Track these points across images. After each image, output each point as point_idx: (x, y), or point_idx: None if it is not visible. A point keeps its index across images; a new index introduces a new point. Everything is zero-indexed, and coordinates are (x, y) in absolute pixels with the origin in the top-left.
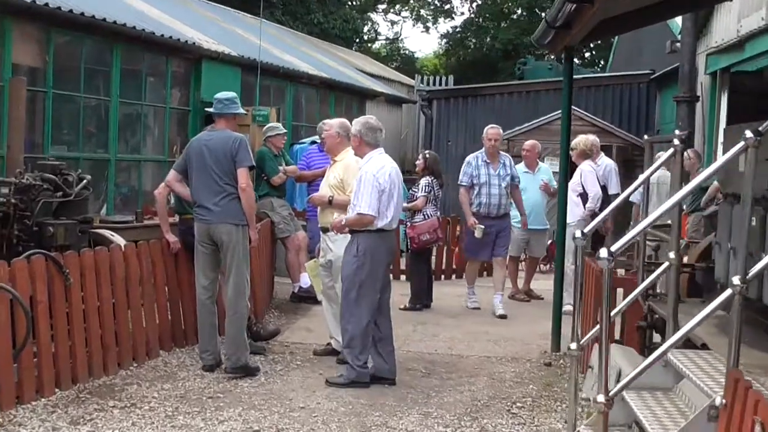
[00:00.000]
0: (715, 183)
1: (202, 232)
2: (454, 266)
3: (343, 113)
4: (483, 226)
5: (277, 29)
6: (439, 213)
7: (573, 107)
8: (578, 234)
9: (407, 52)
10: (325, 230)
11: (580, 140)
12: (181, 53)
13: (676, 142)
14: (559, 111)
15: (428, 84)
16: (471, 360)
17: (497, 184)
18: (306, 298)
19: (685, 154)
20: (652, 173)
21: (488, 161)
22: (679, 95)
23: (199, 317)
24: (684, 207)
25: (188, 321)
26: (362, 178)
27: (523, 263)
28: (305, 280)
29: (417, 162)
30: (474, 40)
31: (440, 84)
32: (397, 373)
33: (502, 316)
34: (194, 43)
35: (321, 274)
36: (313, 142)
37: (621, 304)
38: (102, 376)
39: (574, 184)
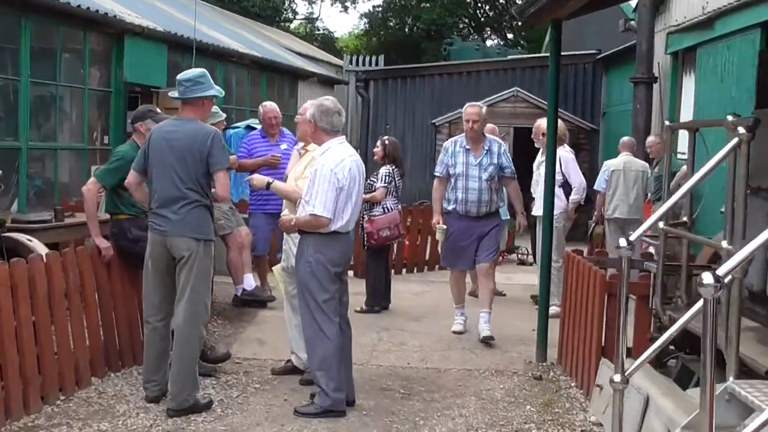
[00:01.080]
0: (682, 169)
1: (157, 244)
2: (404, 260)
3: (275, 95)
4: (445, 227)
5: (201, 5)
6: (400, 206)
7: (518, 89)
8: (623, 243)
9: (327, 32)
10: (287, 229)
11: (545, 126)
12: (101, 27)
13: (741, 130)
14: (503, 92)
15: (357, 64)
16: (451, 375)
17: (476, 176)
18: (251, 302)
19: (649, 139)
20: (717, 165)
21: (468, 147)
22: (637, 76)
23: (147, 344)
24: (649, 195)
25: (123, 339)
26: (317, 173)
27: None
28: (249, 282)
29: (375, 149)
30: (396, 20)
31: (370, 64)
32: (374, 395)
33: (487, 340)
34: (115, 16)
35: (285, 280)
36: (249, 127)
37: (675, 327)
38: (22, 416)
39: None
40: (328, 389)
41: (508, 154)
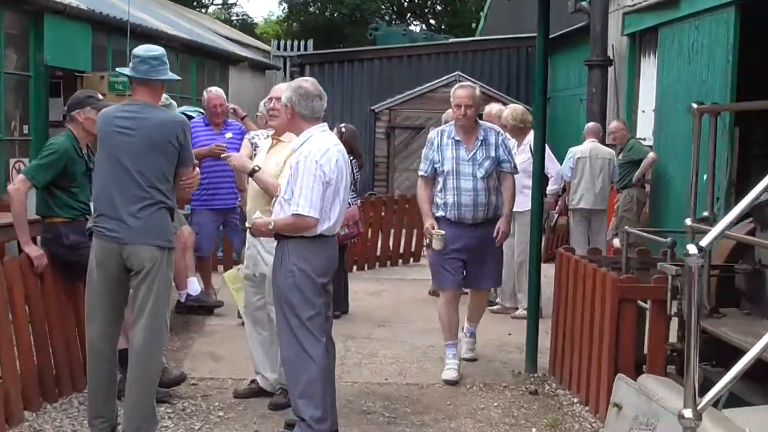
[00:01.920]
0: (651, 156)
1: (108, 253)
2: (355, 257)
3: (205, 81)
4: (443, 232)
5: None
6: (358, 201)
7: (460, 73)
8: (692, 249)
9: (246, 17)
10: None
11: (508, 114)
12: (18, 5)
13: None
14: (445, 77)
15: (285, 49)
16: (435, 391)
17: (470, 174)
18: (197, 309)
19: (613, 124)
20: None
21: (458, 139)
22: (592, 59)
23: (91, 371)
24: (613, 182)
25: (60, 363)
26: (300, 166)
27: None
28: (194, 286)
29: None
30: (317, 5)
31: (298, 49)
32: (356, 421)
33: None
34: None
35: (247, 290)
36: (185, 114)
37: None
38: None
39: (525, 164)
40: (311, 420)
41: (508, 144)
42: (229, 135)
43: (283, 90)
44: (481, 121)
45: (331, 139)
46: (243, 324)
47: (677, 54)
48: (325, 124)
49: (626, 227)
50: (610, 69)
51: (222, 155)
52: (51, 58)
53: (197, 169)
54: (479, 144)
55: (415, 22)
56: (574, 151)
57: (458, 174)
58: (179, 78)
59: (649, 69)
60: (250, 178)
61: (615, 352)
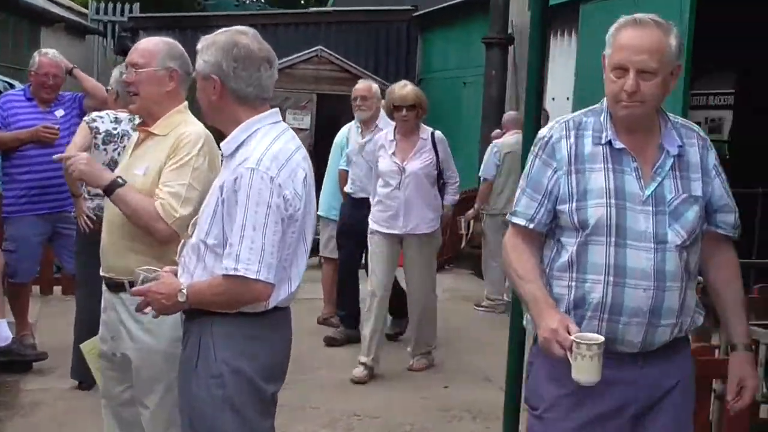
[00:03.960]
0: None
1: None
2: None
3: (9, 46)
4: (601, 340)
5: None
6: None
7: (322, 48)
8: None
9: None
10: (117, 286)
11: (411, 91)
12: None
13: None
14: (305, 52)
15: (106, 13)
16: None
17: (650, 235)
18: (9, 365)
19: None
20: None
21: (621, 146)
22: (491, 36)
23: None
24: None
25: None
26: (240, 189)
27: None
28: (4, 333)
29: None
30: None
31: (122, 13)
32: None
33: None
34: None
35: (105, 375)
36: None
37: None
38: None
39: (425, 162)
40: None
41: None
42: (60, 113)
43: (157, 49)
44: (678, 119)
45: (289, 139)
46: (82, 386)
47: (605, 32)
48: (277, 111)
49: None
50: (510, 49)
51: (56, 157)
52: None
53: None
54: (666, 163)
55: None
56: (500, 145)
57: (623, 232)
58: None
59: (563, 51)
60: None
61: None
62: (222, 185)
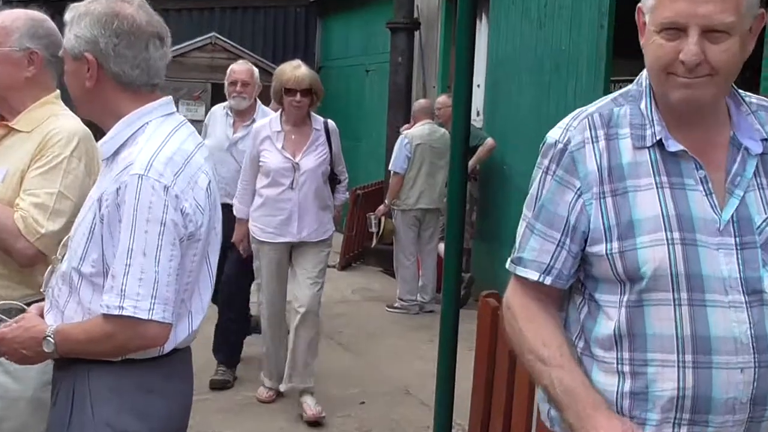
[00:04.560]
0: (489, 141)
1: None
2: None
3: None
4: None
5: None
6: None
7: (216, 35)
8: None
9: None
10: None
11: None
12: None
13: None
14: (198, 38)
15: None
16: None
17: (735, 283)
18: None
19: (440, 99)
20: None
21: (677, 150)
22: (396, 21)
23: None
24: None
25: None
26: (128, 204)
27: None
28: None
29: None
30: None
31: None
32: None
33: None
34: None
35: None
36: None
37: None
38: None
39: (320, 158)
40: None
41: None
42: None
43: (14, 26)
44: (753, 97)
45: (187, 135)
46: None
47: (521, 17)
48: (171, 100)
49: None
50: (416, 34)
51: None
52: None
53: None
54: (746, 167)
55: None
56: (411, 136)
57: (698, 282)
58: None
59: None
60: None
61: None
62: (101, 197)
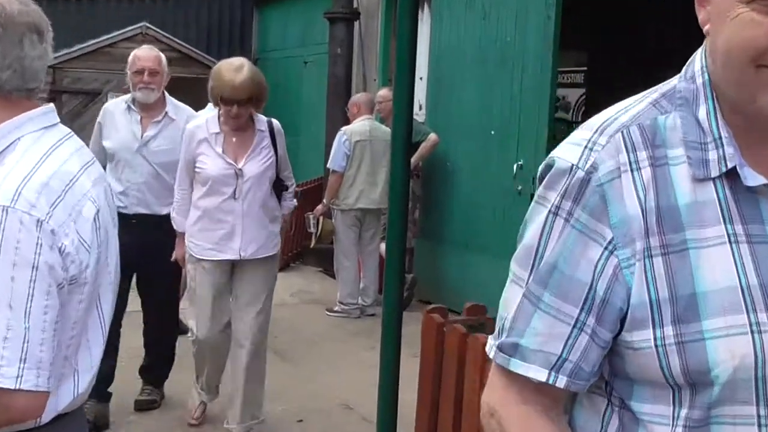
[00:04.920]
0: (432, 137)
1: None
2: None
3: None
4: None
5: None
6: None
7: (148, 25)
8: None
9: None
10: None
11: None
12: None
13: None
14: (128, 28)
15: None
16: None
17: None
18: None
19: (381, 92)
20: None
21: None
22: (334, 11)
23: None
24: None
25: None
26: None
27: None
28: None
29: None
30: None
31: None
32: None
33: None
34: None
35: None
36: None
37: None
38: None
39: (266, 162)
40: None
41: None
42: None
43: None
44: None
45: (70, 153)
46: None
47: (465, 7)
48: (53, 109)
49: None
50: (356, 24)
51: None
52: None
53: None
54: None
55: None
56: (350, 132)
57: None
58: None
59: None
60: None
61: None
62: None
